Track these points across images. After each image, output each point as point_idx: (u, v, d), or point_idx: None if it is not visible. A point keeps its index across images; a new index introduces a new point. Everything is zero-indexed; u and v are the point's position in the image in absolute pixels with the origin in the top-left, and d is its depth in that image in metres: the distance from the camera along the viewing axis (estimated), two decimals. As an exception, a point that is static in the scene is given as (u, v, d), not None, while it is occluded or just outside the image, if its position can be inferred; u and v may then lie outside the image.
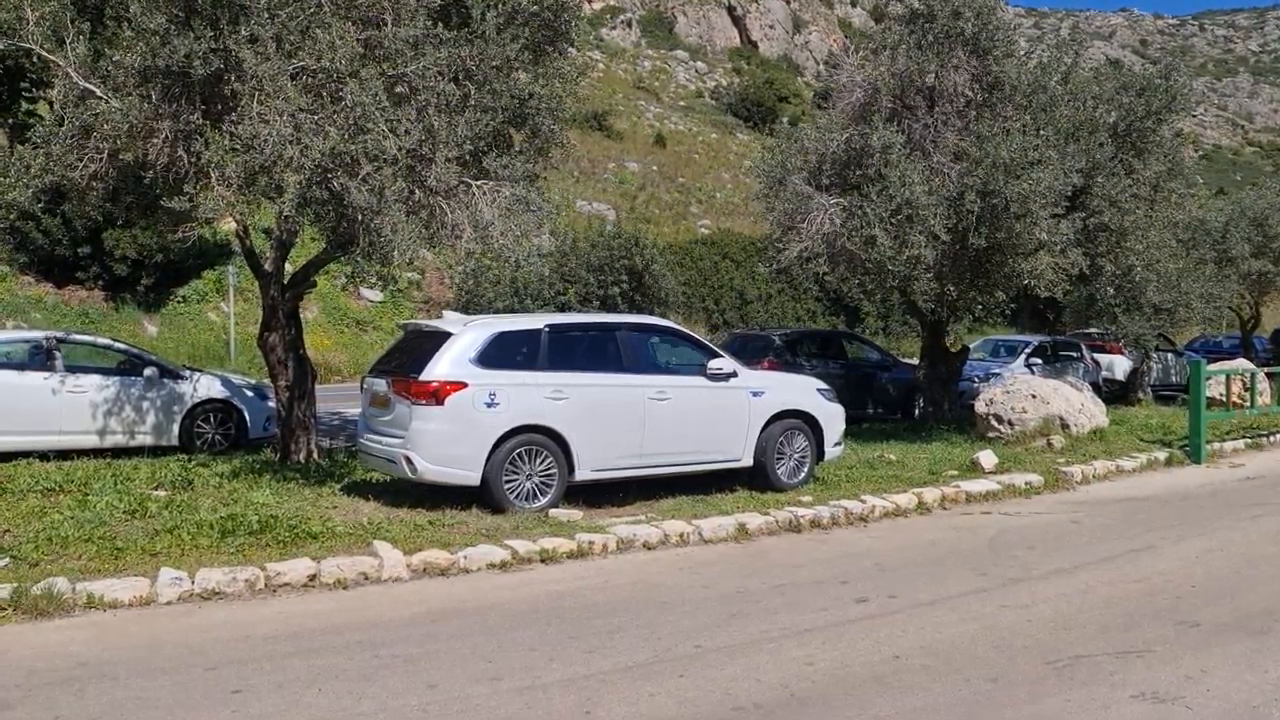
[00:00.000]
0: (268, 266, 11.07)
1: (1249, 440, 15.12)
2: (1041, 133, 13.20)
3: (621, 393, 9.15)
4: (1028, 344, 19.52)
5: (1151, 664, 5.40)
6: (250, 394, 12.62)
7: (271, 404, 11.89)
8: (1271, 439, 15.51)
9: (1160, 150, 15.39)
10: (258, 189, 8.96)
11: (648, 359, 9.77)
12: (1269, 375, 16.69)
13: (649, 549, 8.05)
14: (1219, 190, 49.53)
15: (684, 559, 7.84)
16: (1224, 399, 15.86)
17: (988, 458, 11.68)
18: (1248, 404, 15.67)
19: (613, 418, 9.06)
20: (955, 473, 11.36)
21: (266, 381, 12.12)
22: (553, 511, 8.61)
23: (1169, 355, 22.54)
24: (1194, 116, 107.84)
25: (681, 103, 68.81)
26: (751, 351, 15.23)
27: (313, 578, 6.78)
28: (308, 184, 8.64)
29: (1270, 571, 7.56)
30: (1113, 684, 5.09)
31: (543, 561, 7.52)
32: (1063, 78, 14.80)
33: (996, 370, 17.85)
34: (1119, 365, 21.06)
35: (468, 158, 9.57)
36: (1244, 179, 74.25)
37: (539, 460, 8.75)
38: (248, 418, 12.40)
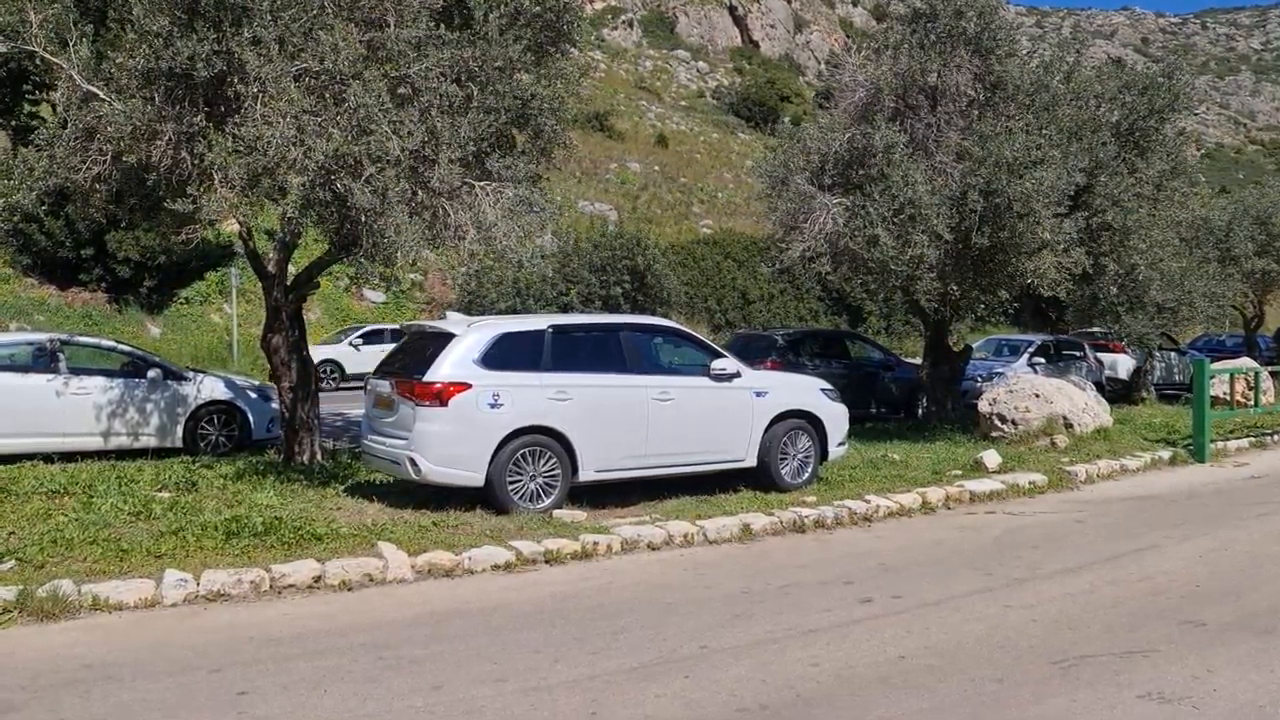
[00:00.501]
0: (271, 268, 11.08)
1: (1253, 439, 15.10)
2: (1044, 132, 13.20)
3: (625, 393, 9.14)
4: (1031, 343, 19.50)
5: (1157, 664, 5.39)
6: (254, 395, 12.63)
7: (275, 405, 11.90)
8: (1275, 438, 15.49)
9: (1163, 149, 15.39)
10: (261, 191, 8.97)
11: (651, 359, 9.76)
12: (1273, 374, 16.67)
13: (653, 550, 8.05)
14: (1222, 189, 49.48)
15: (688, 560, 7.84)
16: (1228, 398, 15.83)
17: (991, 457, 11.67)
18: (1251, 403, 15.65)
19: (616, 418, 9.05)
20: (959, 472, 11.35)
21: (270, 383, 12.14)
22: (556, 512, 8.61)
23: (1172, 354, 22.51)
24: (1196, 115, 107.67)
25: (683, 103, 68.80)
26: (754, 351, 15.24)
27: (317, 579, 6.78)
28: (311, 185, 8.64)
29: (1276, 570, 7.54)
30: (1118, 684, 5.08)
31: (547, 563, 7.53)
32: (1065, 77, 14.81)
33: (999, 369, 17.82)
34: (1122, 364, 21.03)
35: (470, 159, 9.57)
36: (1247, 177, 74.21)
37: (543, 461, 8.75)
38: (251, 419, 12.42)
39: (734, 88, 72.61)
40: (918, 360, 18.11)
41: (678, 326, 10.60)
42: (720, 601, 6.63)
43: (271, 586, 6.66)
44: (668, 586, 7.04)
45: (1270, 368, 17.29)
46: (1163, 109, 15.07)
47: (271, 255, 11.35)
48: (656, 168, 49.83)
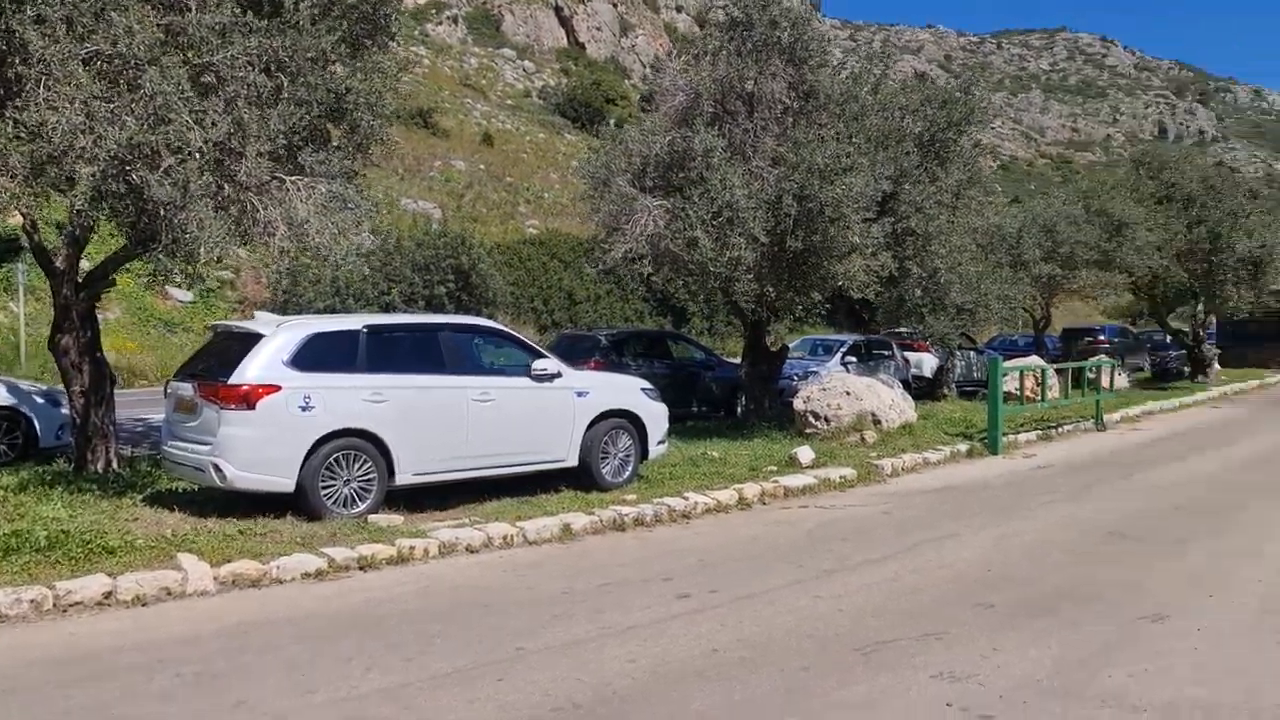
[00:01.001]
0: (59, 264, 10.32)
1: (1040, 432, 16.23)
2: (854, 140, 13.76)
3: (443, 394, 8.99)
4: (843, 343, 20.30)
5: (950, 645, 5.71)
6: (41, 401, 11.74)
7: (65, 411, 11.09)
8: (1060, 430, 16.71)
9: (961, 159, 16.31)
10: (46, 180, 8.31)
11: (471, 360, 9.65)
12: (1058, 371, 17.96)
13: (472, 552, 7.95)
14: (1015, 198, 52.80)
15: (508, 561, 7.78)
16: (1019, 394, 16.95)
17: (805, 453, 12.09)
18: (1039, 398, 16.81)
19: (435, 420, 8.90)
20: (775, 468, 11.70)
21: (60, 387, 11.31)
22: (372, 517, 8.38)
23: (971, 353, 23.88)
24: (993, 129, 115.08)
25: (509, 102, 68.36)
26: (578, 352, 15.29)
27: (108, 595, 6.36)
28: (103, 176, 8.08)
29: (1058, 555, 8.12)
30: (914, 666, 5.35)
31: (361, 569, 7.31)
32: (873, 88, 15.47)
33: (814, 369, 18.49)
34: (926, 363, 22.16)
35: (281, 152, 9.18)
36: (1037, 188, 79.51)
37: (357, 465, 8.49)
38: (38, 426, 11.53)
39: (560, 88, 72.69)
40: (738, 360, 18.57)
41: (498, 326, 10.52)
42: (539, 602, 6.61)
43: (56, 605, 6.19)
44: (486, 589, 6.96)
45: (1056, 365, 18.63)
46: (960, 122, 15.98)
47: (60, 250, 10.58)
48: (482, 166, 49.35)
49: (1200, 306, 28.94)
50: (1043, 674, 5.23)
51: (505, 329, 10.53)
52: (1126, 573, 7.47)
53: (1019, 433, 15.73)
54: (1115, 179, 29.84)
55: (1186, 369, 29.85)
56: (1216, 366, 30.02)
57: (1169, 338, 31.54)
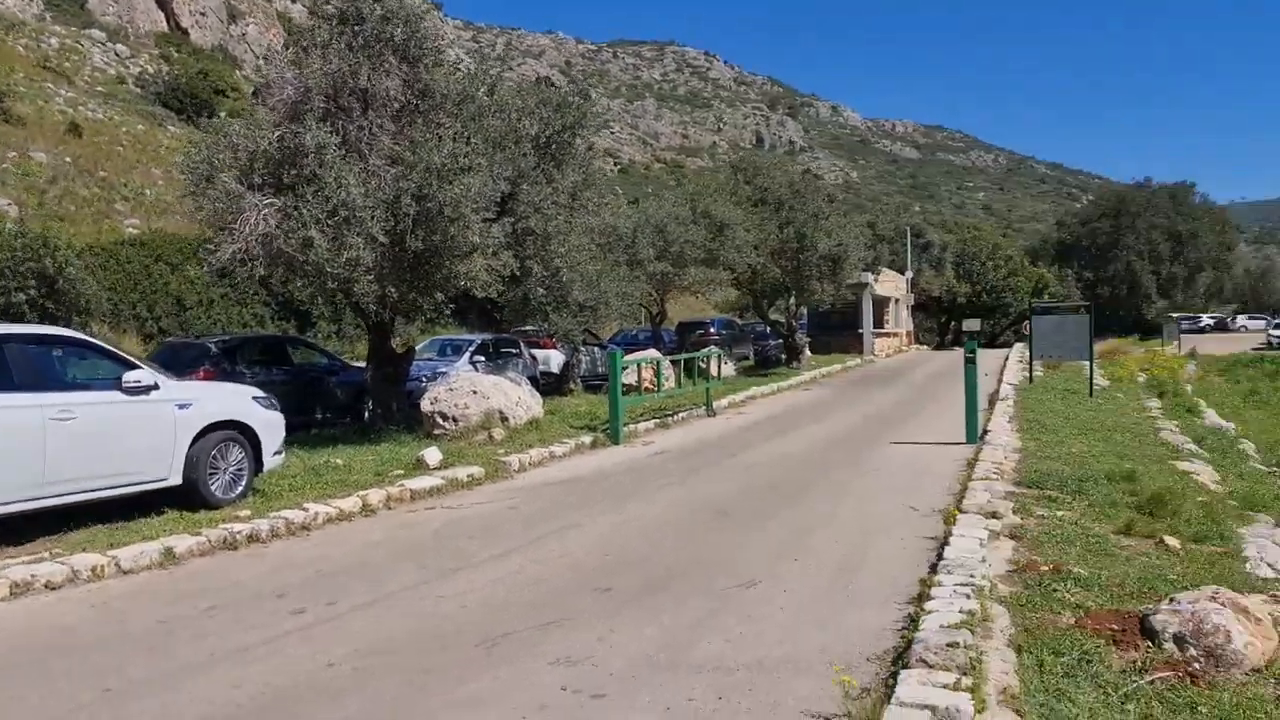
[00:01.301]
0: None
1: (658, 420, 17.24)
2: (471, 141, 13.82)
3: (13, 415, 7.90)
4: (471, 342, 20.36)
5: (569, 631, 5.88)
6: None
7: None
8: (676, 417, 17.83)
9: (576, 162, 16.91)
10: None
11: (48, 374, 8.56)
12: (674, 363, 19.16)
13: (53, 589, 7.08)
14: (634, 200, 55.69)
15: (97, 595, 7.01)
16: (638, 385, 17.91)
17: (433, 454, 11.98)
18: (657, 388, 17.85)
19: (2, 445, 7.81)
20: (401, 472, 11.50)
21: None
22: (-75, 561, 7.22)
23: (595, 348, 24.88)
24: (612, 134, 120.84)
25: (100, 88, 61.80)
26: (185, 361, 14.13)
27: None
28: None
29: (671, 537, 8.63)
30: (535, 655, 5.46)
31: (-93, 623, 6.28)
32: (489, 89, 15.63)
33: (443, 369, 18.39)
34: (553, 359, 22.81)
35: None
36: (653, 191, 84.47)
37: (-98, 502, 7.28)
38: None
39: (161, 76, 66.78)
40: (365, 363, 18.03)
41: (80, 336, 9.42)
42: (132, 636, 6.01)
43: None
44: (69, 629, 6.23)
45: (672, 357, 19.87)
46: (574, 125, 16.55)
47: None
48: (69, 159, 44.17)
49: (792, 299, 32.13)
50: (652, 649, 5.53)
51: (89, 339, 9.47)
52: (729, 548, 8.10)
53: (639, 422, 16.60)
54: (717, 183, 32.38)
55: (783, 356, 33.01)
56: (808, 353, 33.53)
57: (768, 328, 34.74)
